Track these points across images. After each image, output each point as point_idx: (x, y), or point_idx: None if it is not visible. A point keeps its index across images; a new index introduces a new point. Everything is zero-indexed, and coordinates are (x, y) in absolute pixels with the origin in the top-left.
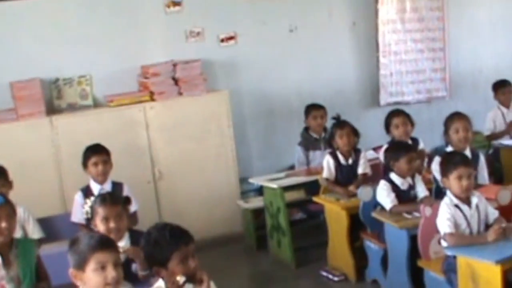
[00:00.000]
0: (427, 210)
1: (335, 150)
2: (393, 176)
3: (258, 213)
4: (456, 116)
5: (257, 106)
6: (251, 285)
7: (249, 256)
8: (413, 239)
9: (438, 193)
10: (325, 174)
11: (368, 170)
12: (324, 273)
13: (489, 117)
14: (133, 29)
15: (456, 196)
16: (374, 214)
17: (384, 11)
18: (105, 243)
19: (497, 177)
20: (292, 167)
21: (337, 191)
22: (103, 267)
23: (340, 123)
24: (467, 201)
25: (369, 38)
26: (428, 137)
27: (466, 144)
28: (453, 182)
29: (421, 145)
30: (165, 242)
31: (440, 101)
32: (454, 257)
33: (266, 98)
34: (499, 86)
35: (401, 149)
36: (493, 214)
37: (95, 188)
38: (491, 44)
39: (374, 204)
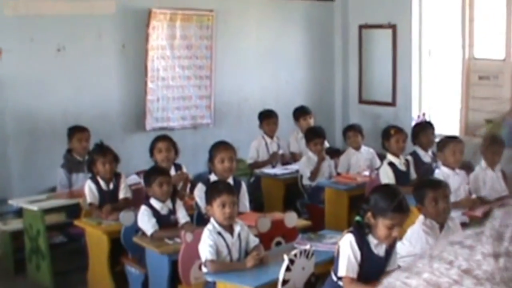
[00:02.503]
0: (188, 236)
1: (95, 175)
2: (153, 201)
3: (17, 235)
4: (221, 146)
5: (20, 125)
6: None
7: (6, 280)
8: (174, 264)
9: (199, 220)
10: (89, 199)
11: (129, 195)
12: None
13: (253, 146)
14: None
15: (219, 224)
16: (135, 239)
17: (154, 36)
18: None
19: (258, 205)
20: (54, 189)
21: (102, 216)
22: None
23: (102, 150)
24: (230, 229)
25: (138, 62)
26: (192, 163)
27: (230, 174)
28: (217, 210)
29: (184, 171)
30: None
31: (204, 128)
32: (214, 282)
33: (30, 118)
34: (265, 117)
35: (154, 173)
36: (253, 241)
37: None
38: (257, 75)
39: (136, 229)
